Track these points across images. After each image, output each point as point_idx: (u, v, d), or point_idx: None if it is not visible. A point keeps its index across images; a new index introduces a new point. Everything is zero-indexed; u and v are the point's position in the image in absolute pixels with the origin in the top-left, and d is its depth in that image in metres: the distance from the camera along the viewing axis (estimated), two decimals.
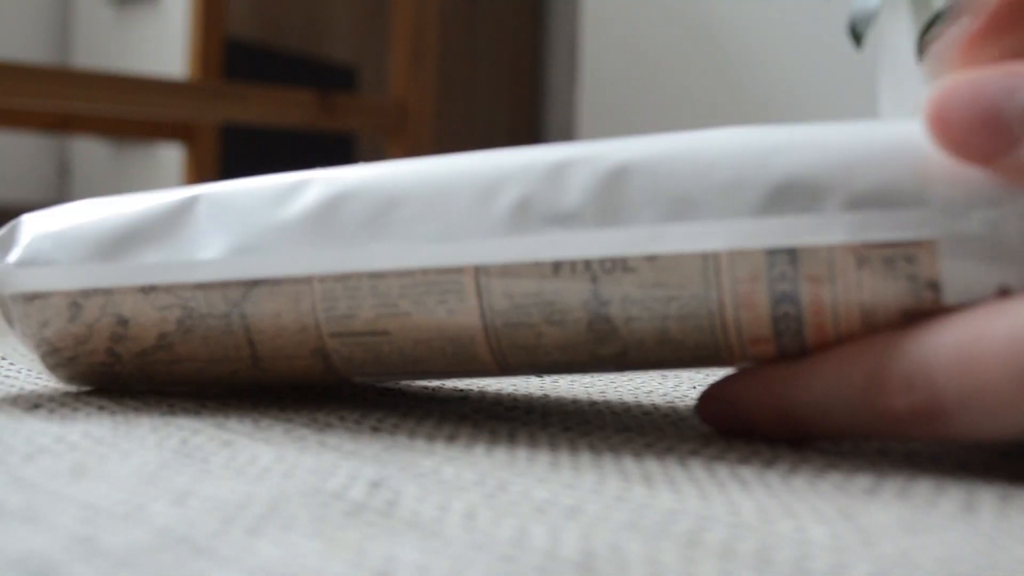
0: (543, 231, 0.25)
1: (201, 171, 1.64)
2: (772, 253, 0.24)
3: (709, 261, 0.25)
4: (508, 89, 2.50)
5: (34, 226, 0.29)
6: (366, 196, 0.27)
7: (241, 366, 0.29)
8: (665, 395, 0.36)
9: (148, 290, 0.28)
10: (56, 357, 0.30)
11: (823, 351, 0.25)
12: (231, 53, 2.02)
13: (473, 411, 0.32)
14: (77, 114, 1.58)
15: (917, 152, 0.24)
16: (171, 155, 2.18)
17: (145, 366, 0.30)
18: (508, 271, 0.26)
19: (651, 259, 0.25)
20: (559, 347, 0.27)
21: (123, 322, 0.28)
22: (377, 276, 0.26)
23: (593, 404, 0.34)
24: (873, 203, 0.24)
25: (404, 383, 0.37)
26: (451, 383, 0.37)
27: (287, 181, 0.28)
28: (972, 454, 0.27)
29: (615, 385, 0.38)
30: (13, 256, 0.29)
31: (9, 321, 0.30)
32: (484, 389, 0.36)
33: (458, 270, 0.26)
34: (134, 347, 0.29)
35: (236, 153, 2.07)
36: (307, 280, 0.27)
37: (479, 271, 0.26)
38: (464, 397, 0.34)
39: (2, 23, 2.40)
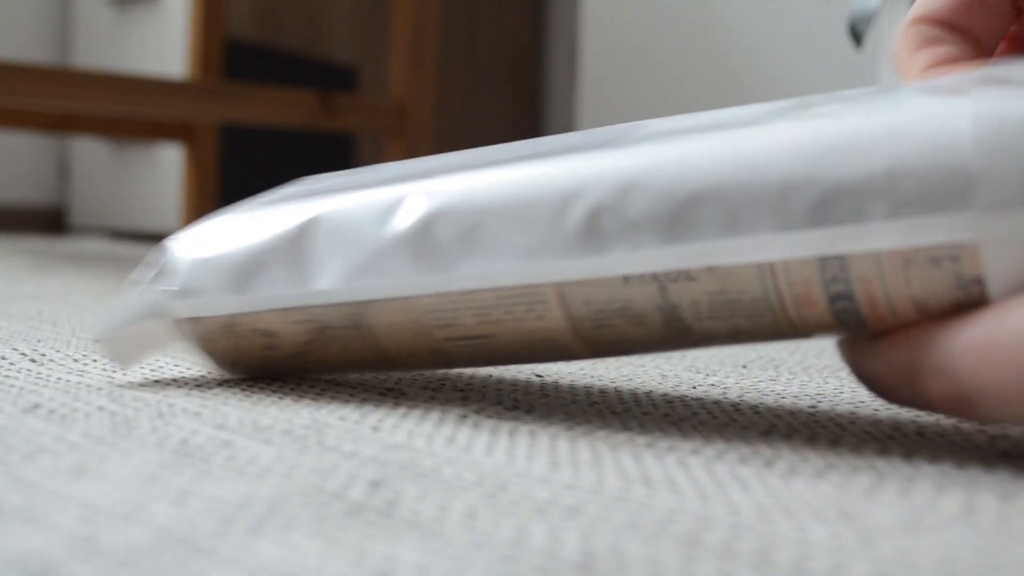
0: (611, 248, 0.27)
1: (201, 171, 1.64)
2: (823, 259, 0.25)
3: (765, 269, 0.26)
4: (508, 89, 2.50)
5: (184, 253, 0.33)
6: (454, 215, 0.29)
7: (373, 362, 0.33)
8: (665, 395, 0.36)
9: (284, 310, 0.32)
10: (220, 361, 0.35)
11: (888, 332, 0.27)
12: (231, 53, 2.02)
13: (473, 411, 0.32)
14: (77, 114, 1.58)
15: (958, 152, 0.24)
16: (171, 155, 2.18)
17: (295, 364, 0.34)
18: (584, 284, 0.28)
19: (711, 270, 0.26)
20: (642, 341, 0.29)
21: (270, 334, 0.33)
22: (471, 293, 0.29)
23: (593, 404, 0.34)
24: (917, 209, 0.24)
25: (406, 384, 0.37)
26: (451, 383, 0.37)
27: (387, 198, 0.31)
28: (972, 454, 0.27)
29: (615, 385, 0.38)
30: (173, 286, 0.33)
31: (180, 334, 0.34)
32: (484, 389, 0.36)
33: (540, 285, 0.28)
34: (283, 352, 0.33)
35: (236, 153, 2.07)
36: (413, 297, 0.30)
37: (559, 284, 0.28)
38: (464, 397, 0.34)
39: (2, 23, 2.40)
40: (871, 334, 0.27)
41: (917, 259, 0.25)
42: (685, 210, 0.27)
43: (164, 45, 2.19)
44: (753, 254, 0.26)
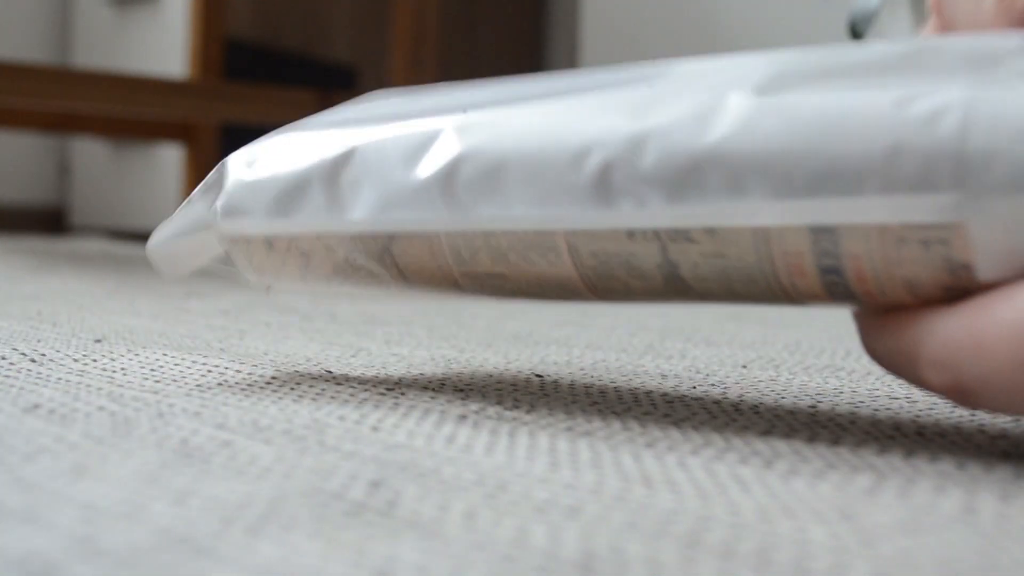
0: (619, 202, 0.28)
1: (201, 171, 1.64)
2: (815, 230, 0.26)
3: (760, 235, 0.27)
4: None
5: (235, 173, 0.35)
6: (479, 158, 0.31)
7: (396, 289, 0.35)
8: (665, 395, 0.36)
9: (318, 235, 0.34)
10: (261, 276, 0.37)
11: (894, 311, 0.27)
12: (231, 53, 2.01)
13: (473, 411, 0.32)
14: (77, 114, 1.58)
15: (953, 134, 0.25)
16: (171, 155, 2.18)
17: (329, 284, 0.36)
18: (592, 235, 0.29)
19: (710, 232, 0.27)
20: (646, 292, 0.30)
21: (305, 255, 0.35)
22: (488, 234, 0.31)
23: (593, 404, 0.34)
24: (910, 187, 0.25)
25: (406, 384, 0.37)
26: (451, 383, 0.37)
27: (420, 133, 0.32)
28: (972, 454, 0.27)
29: (615, 385, 0.38)
30: (220, 203, 0.35)
31: (225, 249, 0.37)
32: (484, 389, 0.36)
33: (551, 232, 0.30)
34: (318, 272, 0.35)
35: None
36: (435, 234, 0.32)
37: (568, 234, 0.29)
38: (464, 397, 0.34)
39: (2, 23, 2.40)
40: (877, 310, 0.27)
41: (908, 240, 0.25)
42: (692, 172, 0.27)
43: (164, 45, 2.19)
44: (748, 218, 0.27)
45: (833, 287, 0.27)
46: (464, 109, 0.32)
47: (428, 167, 0.31)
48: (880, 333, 0.27)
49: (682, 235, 0.28)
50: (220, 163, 0.36)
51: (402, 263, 0.33)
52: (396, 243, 0.33)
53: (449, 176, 0.31)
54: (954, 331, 0.25)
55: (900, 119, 0.25)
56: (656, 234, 0.28)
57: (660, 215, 0.28)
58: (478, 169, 0.31)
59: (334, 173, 0.33)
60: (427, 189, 0.31)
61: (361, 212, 0.32)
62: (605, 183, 0.29)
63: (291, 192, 0.34)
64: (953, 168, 0.25)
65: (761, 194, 0.27)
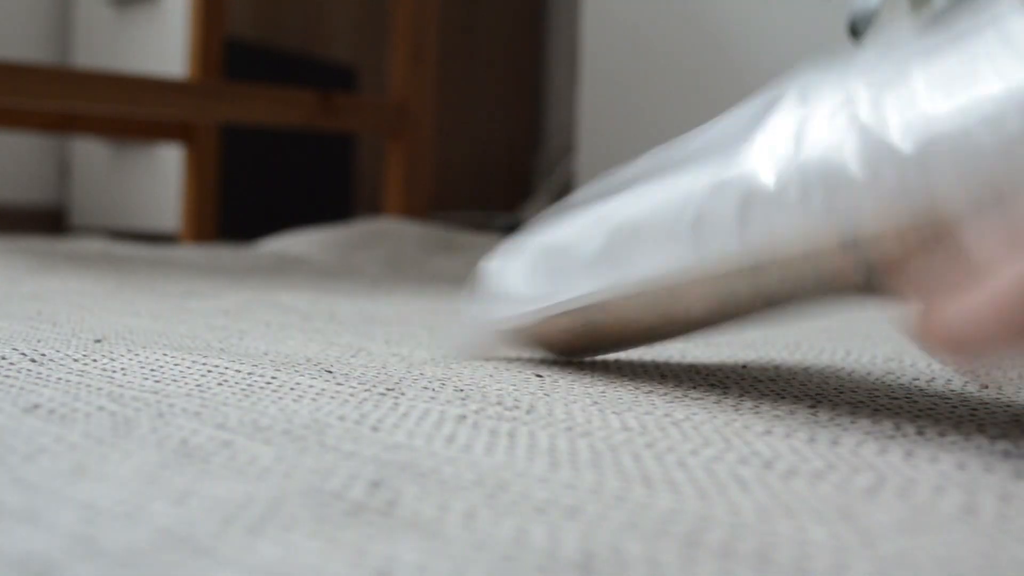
0: (708, 246, 0.34)
1: (201, 171, 1.64)
2: (843, 243, 0.30)
3: (811, 253, 0.31)
4: (508, 89, 2.50)
5: (490, 278, 0.44)
6: (625, 230, 0.37)
7: (626, 343, 0.41)
8: (665, 395, 0.36)
9: (555, 316, 0.40)
10: (532, 347, 0.43)
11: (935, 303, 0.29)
12: (231, 53, 2.02)
13: (473, 411, 0.32)
14: (77, 114, 1.58)
15: (899, 151, 0.28)
16: (171, 155, 2.18)
17: (589, 347, 0.42)
18: (697, 281, 0.34)
19: (771, 259, 0.32)
20: (755, 316, 0.35)
21: (563, 330, 0.41)
22: (637, 285, 0.36)
23: (593, 404, 0.34)
24: (890, 196, 0.28)
25: (406, 384, 0.37)
26: (451, 383, 0.37)
27: (585, 225, 0.39)
28: (972, 454, 0.28)
29: (615, 385, 0.38)
30: (487, 303, 0.43)
31: (507, 338, 0.44)
32: (484, 389, 0.36)
33: (677, 283, 0.35)
34: (567, 340, 0.42)
35: (236, 153, 2.07)
36: (608, 301, 0.38)
37: (684, 282, 0.35)
38: (464, 397, 0.34)
39: (2, 23, 2.40)
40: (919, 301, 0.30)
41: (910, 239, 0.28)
42: (750, 211, 0.32)
43: (164, 45, 2.19)
44: (786, 242, 0.31)
45: (862, 272, 0.30)
46: (615, 191, 0.39)
47: (592, 247, 0.39)
48: (927, 321, 0.28)
49: (755, 266, 0.33)
50: (479, 268, 0.41)
51: (607, 326, 0.39)
52: (592, 311, 0.39)
53: (608, 250, 0.38)
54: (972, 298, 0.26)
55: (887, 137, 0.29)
56: (740, 268, 0.33)
57: (731, 253, 0.33)
58: (626, 238, 0.37)
59: (534, 270, 0.41)
60: (592, 263, 0.38)
61: (570, 290, 0.39)
62: (698, 231, 0.34)
63: (529, 285, 0.41)
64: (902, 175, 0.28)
65: (793, 219, 0.31)
